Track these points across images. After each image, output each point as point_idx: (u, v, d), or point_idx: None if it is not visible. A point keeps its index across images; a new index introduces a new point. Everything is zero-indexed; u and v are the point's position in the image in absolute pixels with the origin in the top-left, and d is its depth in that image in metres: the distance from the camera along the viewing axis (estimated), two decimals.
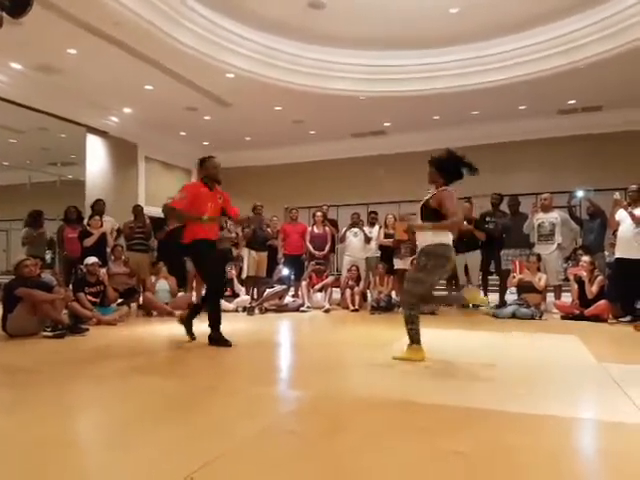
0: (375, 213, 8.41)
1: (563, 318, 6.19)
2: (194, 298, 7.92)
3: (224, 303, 6.36)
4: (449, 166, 3.55)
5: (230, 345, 4.12)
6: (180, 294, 7.10)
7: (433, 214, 3.51)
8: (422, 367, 3.38)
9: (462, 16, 7.89)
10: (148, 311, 6.76)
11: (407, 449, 1.86)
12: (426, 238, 3.53)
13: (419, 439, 1.97)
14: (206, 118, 11.07)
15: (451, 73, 9.25)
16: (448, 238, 3.53)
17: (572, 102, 10.26)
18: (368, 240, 7.92)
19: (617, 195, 5.80)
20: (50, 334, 4.69)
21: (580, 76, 8.70)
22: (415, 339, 3.55)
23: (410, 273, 3.61)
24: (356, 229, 8.00)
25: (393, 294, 7.36)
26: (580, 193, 10.04)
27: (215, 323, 4.23)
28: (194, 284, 7.86)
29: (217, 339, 4.18)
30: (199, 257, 4.40)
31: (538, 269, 6.59)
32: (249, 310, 6.81)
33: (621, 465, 1.77)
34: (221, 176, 4.57)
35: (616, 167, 10.35)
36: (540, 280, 6.48)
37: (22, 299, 4.75)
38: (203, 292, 7.08)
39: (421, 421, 2.21)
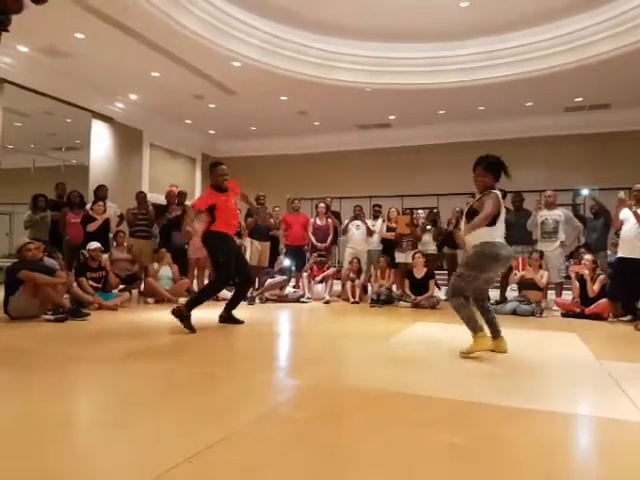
0: (379, 206, 8.40)
1: (563, 316, 6.18)
2: (195, 286, 7.97)
3: (224, 292, 6.40)
4: (499, 166, 3.59)
5: (193, 331, 4.26)
6: (181, 281, 7.11)
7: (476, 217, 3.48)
8: (419, 361, 3.39)
9: (472, 10, 7.84)
10: (148, 297, 6.78)
11: (403, 440, 1.88)
12: (475, 239, 3.50)
13: (415, 430, 1.98)
14: (211, 106, 11.06)
15: (458, 67, 9.21)
16: (497, 234, 3.49)
17: (579, 100, 10.22)
18: (370, 233, 7.92)
19: (622, 194, 5.77)
20: (51, 317, 4.72)
21: (588, 74, 8.65)
22: (473, 327, 3.47)
23: (460, 268, 3.60)
24: (358, 222, 8.00)
25: (394, 287, 7.37)
26: (584, 191, 10.02)
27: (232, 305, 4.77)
28: (195, 271, 7.89)
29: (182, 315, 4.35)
30: (213, 247, 4.68)
31: (540, 266, 6.58)
32: (250, 299, 6.83)
33: (616, 461, 1.77)
34: (227, 184, 4.77)
35: (621, 166, 10.32)
36: (542, 277, 6.47)
37: (24, 282, 4.78)
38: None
39: (418, 413, 2.22)
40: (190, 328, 4.25)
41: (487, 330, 3.57)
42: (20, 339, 4.01)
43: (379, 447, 1.79)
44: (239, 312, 4.88)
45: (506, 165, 3.60)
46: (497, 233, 3.50)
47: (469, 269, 3.49)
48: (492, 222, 3.46)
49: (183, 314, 4.29)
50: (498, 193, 3.54)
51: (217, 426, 1.95)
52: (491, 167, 3.60)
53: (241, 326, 4.73)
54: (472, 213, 3.56)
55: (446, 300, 7.30)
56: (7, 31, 2.78)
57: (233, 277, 4.88)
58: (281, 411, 2.22)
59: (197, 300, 4.50)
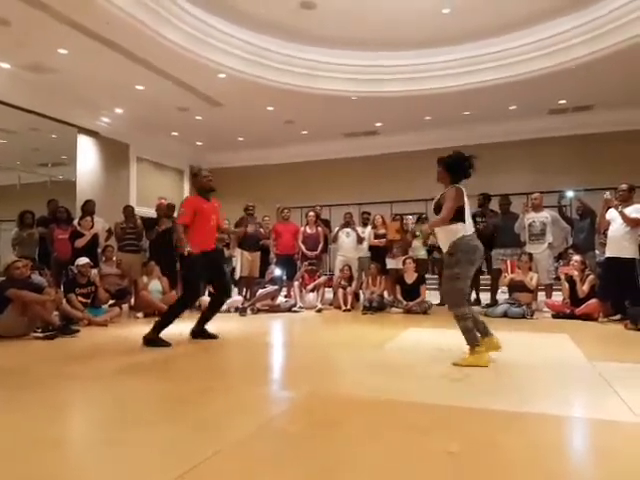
0: (368, 213, 8.43)
1: (554, 317, 6.23)
2: None
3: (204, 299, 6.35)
4: (456, 165, 3.60)
5: (167, 345, 4.19)
6: (171, 294, 7.06)
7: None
8: (412, 367, 3.39)
9: (454, 17, 7.93)
10: (139, 311, 6.72)
11: (398, 448, 1.87)
12: (446, 241, 3.53)
13: (410, 438, 1.98)
14: (198, 118, 11.05)
15: (442, 74, 9.30)
16: (469, 230, 3.52)
17: (563, 102, 10.35)
18: (360, 240, 7.93)
19: (607, 195, 5.84)
20: (41, 335, 4.67)
21: (570, 76, 8.77)
22: (471, 341, 3.40)
23: (446, 272, 3.58)
24: (348, 229, 8.01)
25: (385, 294, 7.38)
26: (570, 193, 10.12)
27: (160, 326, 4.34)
28: None
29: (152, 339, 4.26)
30: (186, 270, 4.53)
31: (530, 268, 6.62)
32: (241, 311, 6.80)
33: (609, 462, 1.78)
34: (212, 184, 4.67)
35: (606, 167, 10.44)
36: (532, 279, 6.51)
37: (12, 300, 4.72)
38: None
39: (413, 420, 2.22)
40: (165, 344, 4.19)
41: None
42: (9, 357, 3.96)
43: (375, 456, 1.79)
44: (230, 324, 4.85)
45: (467, 161, 3.62)
46: (468, 228, 3.53)
47: (460, 268, 3.45)
48: (460, 219, 3.49)
49: (153, 340, 4.23)
50: (458, 186, 3.56)
51: (212, 440, 1.93)
52: (448, 167, 3.64)
53: (233, 338, 4.70)
54: (438, 208, 3.60)
55: (440, 304, 7.36)
56: None
57: (199, 297, 4.90)
58: (276, 423, 2.20)
59: (164, 323, 4.35)
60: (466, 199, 3.57)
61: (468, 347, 3.43)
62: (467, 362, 3.35)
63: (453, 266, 3.47)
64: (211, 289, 7.01)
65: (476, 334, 3.43)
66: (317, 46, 8.95)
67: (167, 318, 4.39)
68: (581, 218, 7.30)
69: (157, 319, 4.49)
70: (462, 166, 3.61)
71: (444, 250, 3.61)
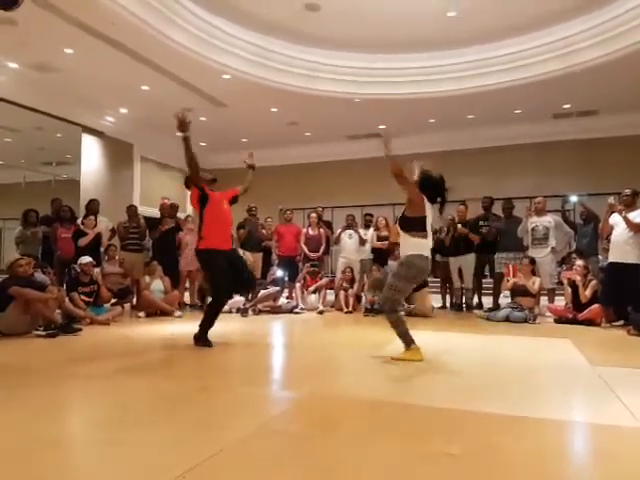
0: (370, 215, 8.42)
1: (556, 322, 6.21)
2: (187, 299, 7.94)
3: (236, 299, 6.39)
4: (432, 188, 3.69)
5: (210, 345, 4.15)
6: (172, 293, 7.07)
7: (410, 222, 3.65)
8: (413, 369, 3.39)
9: (459, 20, 7.93)
10: (142, 310, 6.73)
11: (397, 450, 1.87)
12: (407, 249, 3.67)
13: (409, 440, 1.97)
14: (202, 119, 11.07)
15: (447, 77, 9.29)
16: (426, 244, 3.66)
17: (567, 106, 10.32)
18: (363, 242, 7.93)
19: (612, 200, 5.83)
20: (43, 333, 4.67)
21: (576, 80, 8.75)
22: (407, 341, 3.62)
23: (392, 280, 3.69)
24: (351, 231, 8.01)
25: None
26: (574, 197, 10.10)
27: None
28: (187, 284, 7.87)
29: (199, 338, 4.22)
30: (209, 268, 4.41)
31: (533, 273, 6.60)
32: (243, 311, 6.80)
33: (611, 466, 1.78)
34: (210, 175, 4.62)
35: (610, 172, 10.42)
36: (534, 284, 6.49)
37: (15, 298, 4.73)
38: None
39: (413, 422, 2.22)
40: (207, 344, 4.18)
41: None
42: (11, 355, 3.96)
43: (376, 458, 1.78)
44: (232, 324, 4.83)
45: (442, 190, 3.71)
46: (427, 245, 3.66)
47: (405, 283, 3.63)
48: (423, 229, 3.61)
49: (199, 339, 4.23)
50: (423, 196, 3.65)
51: (212, 440, 1.93)
52: (423, 183, 3.72)
53: (235, 339, 4.69)
54: (401, 217, 3.74)
55: (441, 308, 7.34)
56: None
57: (228, 293, 4.70)
58: (276, 424, 2.20)
59: (206, 324, 4.29)
60: (428, 212, 3.68)
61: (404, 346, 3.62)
62: (403, 356, 3.57)
63: (398, 278, 3.63)
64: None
65: (410, 335, 3.62)
66: (321, 48, 8.96)
67: (208, 319, 4.31)
68: (584, 223, 7.28)
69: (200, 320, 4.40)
70: (435, 191, 3.71)
71: (401, 255, 3.78)
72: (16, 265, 4.96)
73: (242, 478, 1.61)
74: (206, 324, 4.29)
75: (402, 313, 3.78)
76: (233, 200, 4.67)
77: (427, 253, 3.65)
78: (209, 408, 2.43)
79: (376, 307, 6.96)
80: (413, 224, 3.63)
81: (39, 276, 5.76)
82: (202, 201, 4.30)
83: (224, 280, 4.32)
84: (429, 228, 3.70)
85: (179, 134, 4.16)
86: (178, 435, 2.01)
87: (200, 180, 4.34)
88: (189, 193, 4.61)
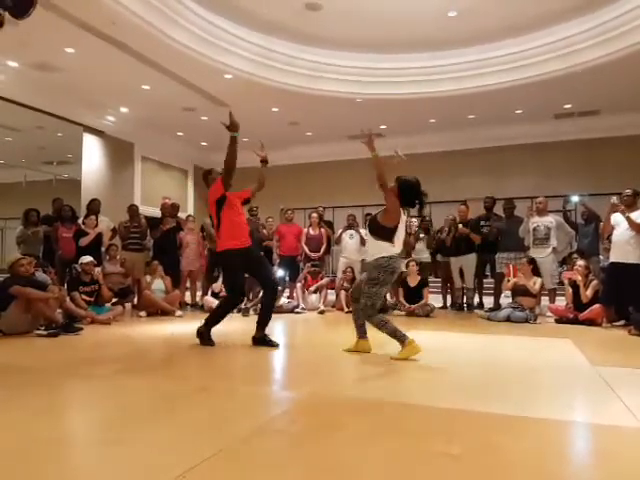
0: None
1: (557, 322, 6.20)
2: (188, 298, 7.94)
3: (216, 302, 6.38)
4: (410, 193, 3.75)
5: (213, 344, 4.17)
6: (173, 293, 7.08)
7: (381, 230, 3.71)
8: (414, 369, 3.39)
9: (460, 20, 7.92)
10: (142, 310, 6.74)
11: (397, 450, 1.87)
12: (375, 252, 3.74)
13: (410, 440, 1.97)
14: (203, 118, 11.07)
15: (448, 77, 9.29)
16: (394, 250, 3.72)
17: (568, 106, 10.32)
18: (364, 242, 7.91)
19: (614, 199, 5.83)
20: (44, 333, 4.68)
21: (577, 80, 8.75)
22: (400, 338, 3.63)
23: (366, 288, 3.75)
24: (352, 231, 8.01)
25: (388, 296, 7.37)
26: (575, 198, 10.09)
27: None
28: (187, 284, 7.87)
29: (260, 339, 4.24)
30: (225, 270, 4.46)
31: (534, 273, 6.60)
32: (244, 311, 6.80)
33: (612, 466, 1.77)
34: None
35: (611, 172, 10.42)
36: (535, 284, 6.49)
37: (16, 297, 4.74)
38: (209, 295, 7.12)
39: (414, 422, 2.22)
40: (209, 343, 4.22)
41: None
42: (12, 355, 3.97)
43: (376, 458, 1.78)
44: (233, 324, 4.81)
45: (419, 195, 3.76)
46: (394, 249, 3.72)
47: (380, 286, 3.71)
48: (389, 238, 3.68)
49: (206, 339, 4.26)
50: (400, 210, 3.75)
51: (213, 440, 1.93)
52: (401, 188, 3.77)
53: (235, 339, 4.68)
54: (374, 224, 3.79)
55: (442, 308, 7.34)
56: None
57: (242, 294, 4.72)
58: (276, 424, 2.20)
59: (212, 321, 4.33)
60: (402, 223, 3.78)
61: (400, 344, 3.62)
62: (402, 355, 3.55)
63: (371, 284, 3.72)
64: (216, 290, 7.05)
65: (401, 332, 3.64)
66: (322, 47, 8.96)
67: (216, 316, 4.36)
68: (586, 223, 7.28)
69: (207, 316, 4.47)
70: (413, 196, 3.77)
71: (368, 259, 3.87)
72: (17, 265, 4.97)
73: (242, 478, 1.61)
74: (212, 321, 4.32)
75: (381, 314, 3.82)
76: (245, 201, 4.66)
77: (395, 252, 3.72)
78: (210, 407, 2.43)
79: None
80: (383, 233, 3.71)
81: (40, 275, 5.76)
82: (220, 202, 4.28)
83: (239, 280, 4.37)
84: (400, 235, 3.78)
85: (233, 134, 4.34)
86: (178, 435, 2.01)
87: (229, 183, 4.31)
88: (206, 192, 4.53)
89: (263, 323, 4.34)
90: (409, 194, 3.74)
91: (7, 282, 4.89)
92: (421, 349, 3.57)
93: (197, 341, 4.28)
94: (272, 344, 4.23)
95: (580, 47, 8.23)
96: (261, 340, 4.27)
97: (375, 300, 3.73)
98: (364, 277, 3.91)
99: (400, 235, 3.78)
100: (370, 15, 7.87)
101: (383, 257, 3.66)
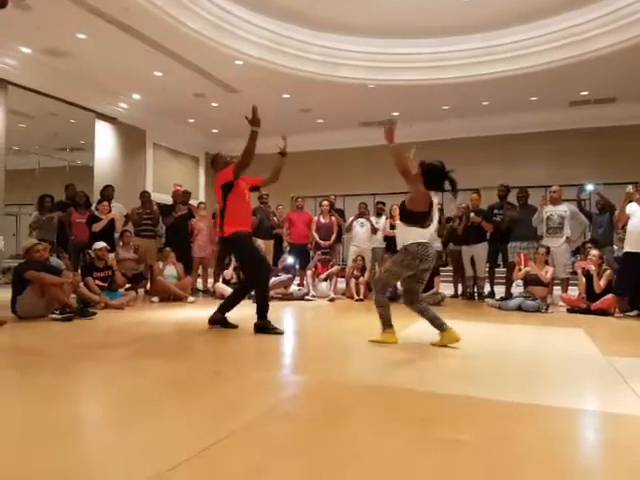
0: (382, 203, 8.39)
1: (569, 311, 6.16)
2: (200, 285, 8.00)
3: (227, 289, 6.43)
4: (434, 176, 3.69)
5: (282, 333, 4.21)
6: (185, 279, 7.14)
7: (410, 216, 3.69)
8: (423, 356, 3.39)
9: (475, 5, 7.82)
10: (155, 295, 6.82)
11: (407, 436, 1.87)
12: (404, 238, 3.71)
13: (419, 427, 1.98)
14: (214, 105, 11.07)
15: (462, 62, 9.19)
16: (425, 235, 3.69)
17: (585, 94, 10.15)
18: (375, 230, 7.91)
19: (630, 188, 5.75)
20: (58, 317, 4.74)
21: (593, 67, 8.61)
22: (385, 324, 3.78)
23: (388, 264, 3.83)
24: (363, 219, 7.99)
25: (398, 285, 7.35)
26: (590, 187, 9.97)
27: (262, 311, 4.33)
28: (200, 270, 7.93)
29: (262, 327, 4.26)
30: (244, 251, 4.40)
31: (546, 262, 6.55)
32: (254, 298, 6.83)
33: (621, 456, 1.77)
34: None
35: (627, 161, 10.27)
36: (547, 273, 6.44)
37: (31, 282, 4.81)
38: (220, 282, 7.16)
39: (423, 409, 2.22)
40: (231, 326, 4.36)
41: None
42: (27, 338, 4.04)
43: (385, 443, 1.79)
44: (243, 311, 4.81)
45: (444, 177, 3.70)
46: (425, 234, 3.70)
47: (397, 266, 3.71)
48: (419, 222, 3.66)
49: (219, 320, 4.35)
50: (428, 193, 3.70)
51: (223, 423, 1.95)
52: (425, 174, 3.71)
53: (246, 325, 4.71)
54: (404, 207, 3.78)
55: (452, 297, 7.32)
56: None
57: (268, 271, 4.71)
58: (286, 407, 2.22)
59: (229, 305, 4.42)
60: (435, 207, 3.76)
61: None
62: (380, 339, 3.74)
63: (394, 263, 3.73)
64: (227, 277, 7.09)
65: (389, 320, 3.79)
66: (334, 33, 8.89)
67: (234, 299, 4.45)
68: (600, 212, 7.20)
69: (221, 301, 4.54)
70: (441, 179, 3.71)
71: (398, 247, 3.82)
72: (33, 250, 5.03)
73: (253, 459, 1.63)
74: (228, 305, 4.40)
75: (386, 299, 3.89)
76: (253, 188, 4.65)
77: (424, 239, 3.69)
78: (221, 391, 2.46)
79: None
80: (412, 219, 3.69)
81: (54, 261, 5.84)
82: (227, 187, 4.30)
83: (260, 259, 4.39)
84: (434, 217, 3.76)
85: (254, 129, 4.33)
86: (191, 417, 2.04)
87: (239, 174, 4.32)
88: (215, 176, 4.52)
89: (227, 307, 4.43)
90: (433, 178, 3.70)
91: (23, 267, 4.96)
92: (397, 340, 3.73)
93: (208, 326, 4.34)
94: (229, 325, 4.36)
95: (596, 33, 8.08)
96: (218, 321, 4.37)
97: (389, 279, 3.79)
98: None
99: (432, 220, 3.75)
100: (383, 1, 7.78)
101: (412, 244, 3.64)
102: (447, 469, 1.60)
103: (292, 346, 4.14)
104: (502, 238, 7.28)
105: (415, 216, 3.68)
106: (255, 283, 4.43)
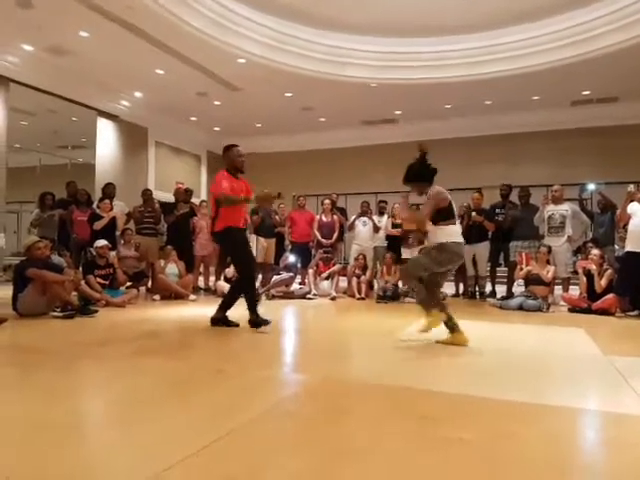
0: (384, 202, 8.39)
1: (570, 311, 6.15)
2: (201, 283, 8.01)
3: (228, 287, 6.43)
4: (420, 172, 3.82)
5: (268, 323, 4.27)
6: (186, 277, 7.14)
7: (437, 214, 3.72)
8: (425, 355, 3.39)
9: (477, 4, 7.80)
10: (156, 293, 6.83)
11: (408, 435, 1.88)
12: (437, 239, 3.73)
13: (421, 425, 1.98)
14: (216, 103, 11.07)
15: (464, 62, 9.17)
16: (458, 236, 3.75)
17: (586, 93, 10.13)
18: (377, 229, 7.91)
19: (631, 187, 5.74)
20: (60, 314, 4.75)
21: (595, 67, 8.59)
22: (428, 308, 3.74)
23: (419, 256, 3.90)
24: (365, 218, 7.99)
25: (400, 283, 7.36)
26: (591, 186, 9.95)
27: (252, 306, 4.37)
28: (201, 268, 7.93)
29: (255, 322, 4.30)
30: (233, 245, 4.41)
31: (548, 261, 6.54)
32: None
33: (622, 454, 1.77)
34: (244, 166, 4.52)
35: (628, 160, 10.25)
36: (548, 272, 6.44)
37: (33, 280, 4.81)
38: (222, 280, 7.17)
39: (425, 408, 2.22)
40: (233, 324, 4.38)
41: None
42: (29, 336, 4.04)
43: (386, 442, 1.79)
44: (245, 309, 4.82)
45: (424, 163, 3.82)
46: (458, 229, 3.79)
47: (431, 261, 3.71)
48: (451, 216, 3.73)
49: (220, 319, 4.38)
50: (437, 189, 3.75)
51: (224, 420, 1.96)
52: (411, 179, 3.83)
53: (247, 323, 4.72)
54: (429, 212, 3.79)
55: (454, 296, 7.31)
56: None
57: (255, 266, 4.75)
58: (287, 406, 2.22)
59: (227, 304, 4.44)
60: (453, 202, 3.80)
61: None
62: (431, 324, 3.72)
63: (428, 257, 3.74)
64: (228, 275, 7.08)
65: (434, 304, 3.77)
66: (337, 32, 8.88)
67: (231, 296, 4.47)
68: (602, 212, 7.19)
69: (221, 300, 4.55)
70: (424, 169, 3.83)
71: (431, 242, 3.87)
72: (34, 247, 5.03)
73: (254, 457, 1.64)
74: (227, 304, 4.42)
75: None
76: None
77: (459, 239, 3.74)
78: (222, 389, 2.46)
79: (388, 294, 6.98)
80: (444, 213, 3.71)
81: (55, 258, 5.84)
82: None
83: (249, 255, 4.44)
84: (455, 213, 3.81)
85: (248, 201, 4.44)
86: (192, 414, 2.05)
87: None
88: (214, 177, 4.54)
89: (227, 306, 4.43)
90: (427, 177, 3.81)
91: (24, 265, 4.96)
92: (467, 340, 3.68)
93: (209, 324, 4.35)
94: (231, 324, 4.38)
95: (598, 32, 8.06)
96: (219, 320, 4.39)
97: (419, 271, 3.73)
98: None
99: (455, 213, 3.82)
100: (386, 0, 7.76)
101: (447, 242, 3.67)
102: (448, 468, 1.60)
103: (293, 344, 4.15)
104: (504, 237, 7.27)
105: (444, 211, 3.70)
106: (245, 278, 4.46)
